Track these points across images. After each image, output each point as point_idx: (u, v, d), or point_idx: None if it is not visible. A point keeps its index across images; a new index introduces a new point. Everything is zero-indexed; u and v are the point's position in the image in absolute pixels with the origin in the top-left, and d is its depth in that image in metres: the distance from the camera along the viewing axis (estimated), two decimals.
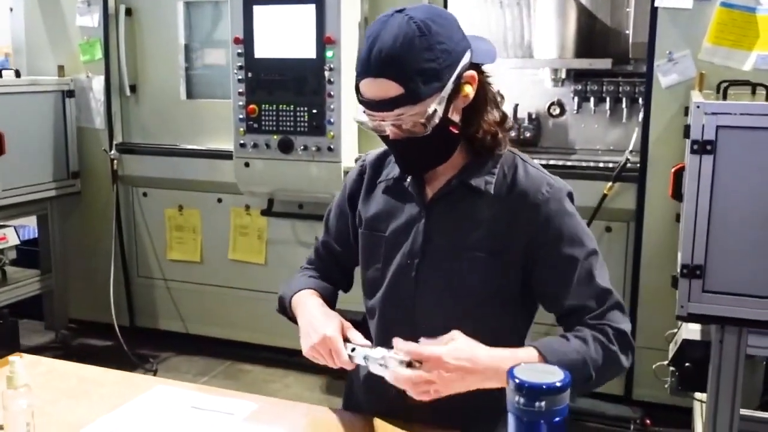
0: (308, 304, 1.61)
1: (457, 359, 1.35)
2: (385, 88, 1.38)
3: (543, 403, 0.99)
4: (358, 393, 1.70)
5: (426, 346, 1.37)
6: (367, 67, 1.40)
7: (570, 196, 1.54)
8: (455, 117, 1.47)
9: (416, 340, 1.41)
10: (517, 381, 1.00)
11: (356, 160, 1.75)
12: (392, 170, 1.63)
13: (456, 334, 1.39)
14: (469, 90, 1.46)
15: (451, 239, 1.53)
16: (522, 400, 1.00)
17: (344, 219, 1.71)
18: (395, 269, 1.57)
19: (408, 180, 1.59)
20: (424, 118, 1.40)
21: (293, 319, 1.66)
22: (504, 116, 1.55)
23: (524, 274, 1.52)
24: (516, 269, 1.51)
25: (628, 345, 1.48)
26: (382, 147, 1.63)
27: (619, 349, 1.46)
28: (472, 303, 1.52)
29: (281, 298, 1.72)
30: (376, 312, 1.63)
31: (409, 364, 1.36)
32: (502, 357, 1.38)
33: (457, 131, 1.48)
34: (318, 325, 1.51)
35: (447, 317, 1.51)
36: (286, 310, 1.70)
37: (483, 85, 1.50)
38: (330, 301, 1.67)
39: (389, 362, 1.38)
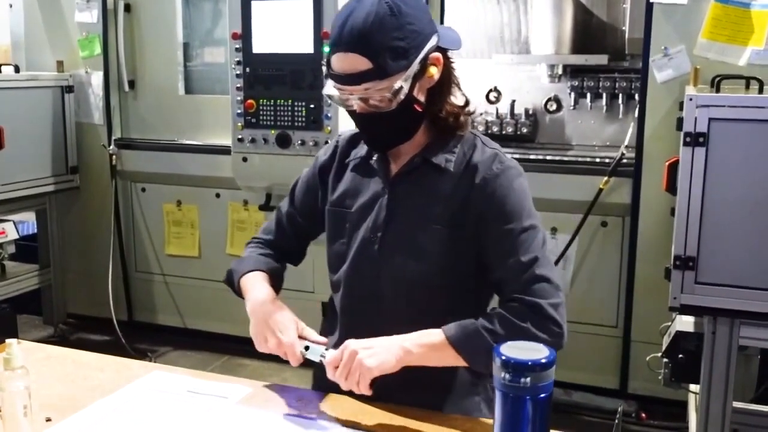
0: (261, 295, 1.67)
1: (369, 348, 1.48)
2: (354, 62, 1.45)
3: (528, 380, 1.01)
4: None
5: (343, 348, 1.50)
6: (339, 42, 1.47)
7: (520, 175, 1.60)
8: (420, 96, 1.54)
9: (380, 312, 1.60)
10: (503, 357, 1.02)
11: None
12: (360, 150, 1.70)
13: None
14: (435, 71, 1.53)
15: (412, 214, 1.59)
16: (508, 376, 1.02)
17: (312, 193, 1.76)
18: (359, 243, 1.63)
19: (374, 158, 1.66)
20: (390, 93, 1.47)
21: (239, 294, 1.73)
22: (467, 101, 1.63)
23: (477, 247, 1.57)
24: (471, 242, 1.57)
25: (545, 318, 1.47)
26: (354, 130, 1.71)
27: (531, 325, 1.46)
28: (432, 275, 1.57)
29: (230, 273, 1.77)
30: (341, 286, 1.68)
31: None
32: (415, 336, 1.49)
33: (421, 109, 1.55)
34: (275, 328, 1.61)
35: (409, 289, 1.59)
36: (233, 284, 1.76)
37: (448, 69, 1.58)
38: (278, 281, 1.75)
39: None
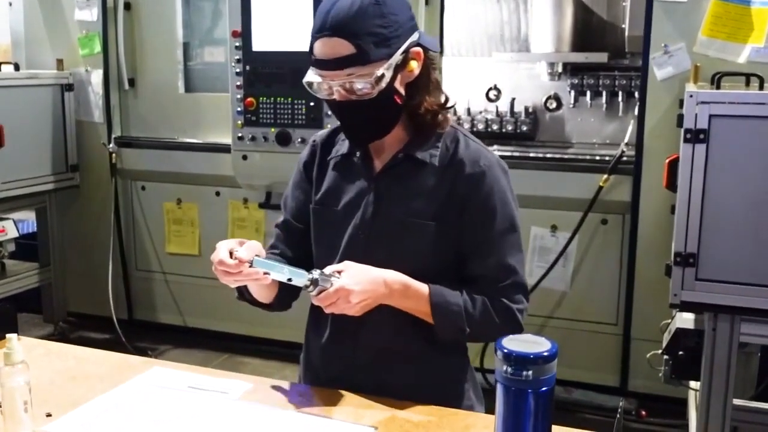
0: None
1: (360, 284, 1.48)
2: (337, 47, 1.47)
3: (530, 372, 1.01)
4: (314, 360, 1.74)
5: (336, 285, 1.47)
6: (323, 27, 1.48)
7: (505, 172, 1.63)
8: (400, 89, 1.55)
9: None
10: (505, 350, 1.02)
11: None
12: (341, 147, 1.69)
13: (346, 264, 1.51)
14: (415, 65, 1.55)
15: (398, 209, 1.60)
16: (510, 369, 1.02)
17: (303, 196, 1.74)
18: (346, 241, 1.63)
19: (357, 155, 1.65)
20: (372, 80, 1.48)
21: (250, 300, 1.70)
22: (447, 99, 1.64)
23: (458, 240, 1.60)
24: (455, 236, 1.59)
25: (513, 322, 1.58)
26: (331, 127, 1.76)
27: (501, 322, 1.57)
28: (417, 269, 1.58)
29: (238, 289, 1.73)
30: None
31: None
32: (399, 281, 1.54)
33: (400, 102, 1.56)
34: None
35: None
36: (242, 294, 1.71)
37: (427, 67, 1.59)
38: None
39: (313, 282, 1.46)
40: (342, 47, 1.46)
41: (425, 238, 1.58)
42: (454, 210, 1.58)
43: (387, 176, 1.62)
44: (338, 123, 1.68)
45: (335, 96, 1.52)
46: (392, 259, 1.58)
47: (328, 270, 1.49)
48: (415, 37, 1.54)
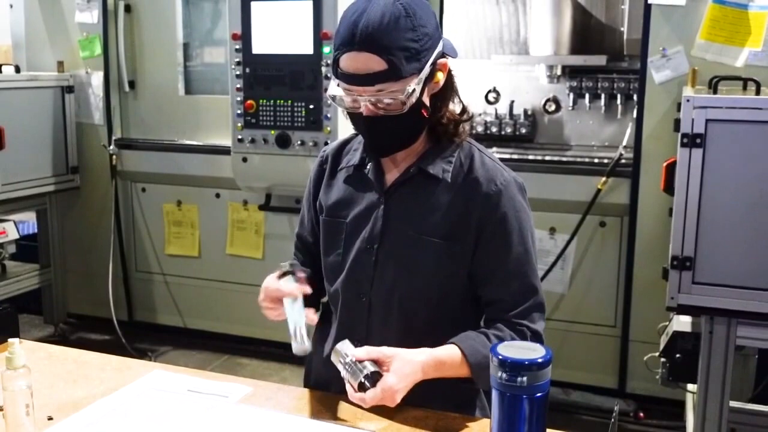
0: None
1: (404, 381, 1.44)
2: (368, 62, 1.41)
3: (525, 379, 1.03)
4: (320, 370, 1.71)
5: (381, 385, 1.43)
6: (352, 42, 1.42)
7: (522, 190, 1.59)
8: (426, 101, 1.52)
9: (371, 322, 1.58)
10: (500, 357, 1.03)
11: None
12: (352, 158, 1.67)
13: (392, 355, 1.46)
14: (441, 77, 1.52)
15: (408, 225, 1.57)
16: (504, 375, 1.03)
17: (312, 212, 1.75)
18: (355, 254, 1.61)
19: (368, 167, 1.63)
20: (403, 95, 1.43)
21: None
22: (464, 108, 1.62)
23: (471, 260, 1.57)
24: (466, 255, 1.56)
25: (542, 344, 1.53)
26: (341, 139, 1.73)
27: None
28: (427, 287, 1.56)
29: None
30: (339, 297, 1.65)
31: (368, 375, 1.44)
32: (434, 362, 1.48)
33: (426, 115, 1.53)
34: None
35: (402, 300, 1.58)
36: None
37: (450, 75, 1.57)
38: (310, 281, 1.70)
39: (353, 372, 1.46)
40: (373, 62, 1.41)
41: (435, 256, 1.54)
42: (468, 230, 1.54)
43: (398, 190, 1.59)
44: (346, 134, 1.66)
45: (362, 110, 1.48)
46: (400, 276, 1.56)
47: (360, 352, 1.46)
48: (441, 46, 1.50)
